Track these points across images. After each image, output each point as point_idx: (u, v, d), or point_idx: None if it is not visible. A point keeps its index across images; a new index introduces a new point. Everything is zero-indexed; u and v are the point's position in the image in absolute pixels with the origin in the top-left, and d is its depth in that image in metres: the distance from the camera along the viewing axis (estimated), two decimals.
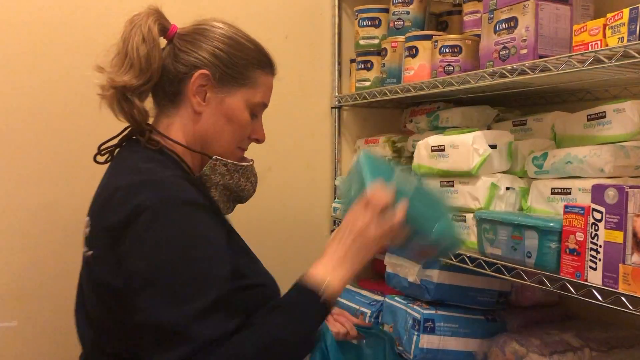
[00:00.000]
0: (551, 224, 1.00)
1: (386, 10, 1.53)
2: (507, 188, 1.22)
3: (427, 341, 1.35)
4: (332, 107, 1.71)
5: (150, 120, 1.01)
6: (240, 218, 1.39)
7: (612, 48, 0.89)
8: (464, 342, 1.38)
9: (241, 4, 1.60)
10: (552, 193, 1.15)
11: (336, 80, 1.69)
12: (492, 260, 1.12)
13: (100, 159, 1.02)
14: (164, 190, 0.88)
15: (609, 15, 0.92)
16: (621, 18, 0.89)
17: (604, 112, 1.15)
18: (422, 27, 1.46)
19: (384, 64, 1.49)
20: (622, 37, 0.89)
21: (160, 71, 0.99)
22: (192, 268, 0.84)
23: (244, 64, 1.02)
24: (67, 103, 1.44)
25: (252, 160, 1.08)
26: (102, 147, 1.02)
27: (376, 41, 1.54)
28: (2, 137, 1.40)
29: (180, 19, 1.05)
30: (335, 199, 1.70)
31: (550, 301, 1.53)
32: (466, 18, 1.34)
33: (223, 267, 0.88)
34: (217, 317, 0.83)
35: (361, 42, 1.57)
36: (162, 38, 1.00)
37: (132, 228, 0.84)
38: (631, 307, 0.85)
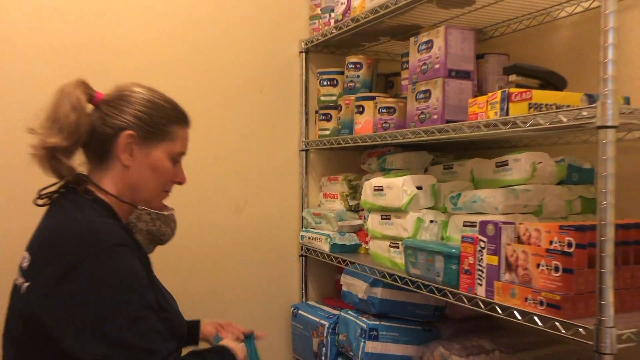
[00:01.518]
0: (453, 251, 1.30)
1: (342, 73, 1.84)
2: (431, 221, 1.51)
3: (372, 347, 1.63)
4: (300, 150, 2.01)
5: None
6: (222, 242, 1.68)
7: (488, 120, 1.20)
8: (403, 348, 1.66)
9: (222, 64, 1.90)
10: (464, 225, 1.44)
11: (303, 127, 2.00)
12: (414, 279, 1.41)
13: (40, 202, 1.14)
14: (99, 238, 1.03)
15: (489, 94, 1.23)
16: (496, 97, 1.20)
17: (507, 160, 1.45)
18: (370, 88, 1.77)
19: (339, 117, 1.80)
20: (497, 112, 1.20)
21: (88, 133, 1.12)
22: (128, 305, 1.01)
23: (163, 122, 1.18)
24: None
25: (172, 209, 1.28)
26: (42, 193, 1.14)
27: (334, 98, 1.86)
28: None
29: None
30: (302, 227, 1.99)
31: (480, 314, 1.81)
32: (403, 82, 1.66)
33: (150, 297, 1.06)
34: (160, 338, 1.03)
35: (322, 98, 1.89)
36: (89, 104, 1.14)
37: (76, 274, 0.99)
38: (501, 313, 1.15)
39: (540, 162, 1.40)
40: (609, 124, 0.94)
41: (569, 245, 1.06)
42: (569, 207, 1.44)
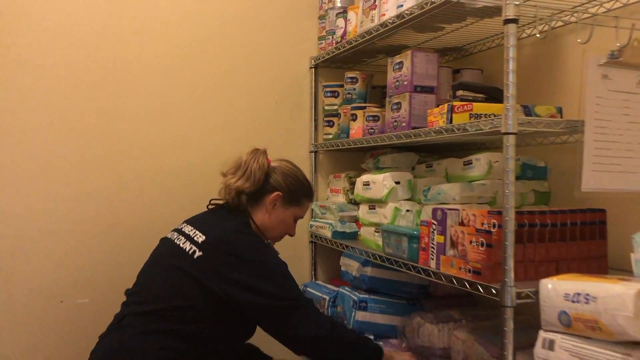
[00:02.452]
0: (414, 232, 1.60)
1: (342, 86, 2.16)
2: (407, 210, 1.81)
3: (362, 316, 1.93)
4: (310, 151, 2.34)
5: None
6: None
7: (440, 127, 1.50)
8: (389, 318, 1.96)
9: (244, 79, 2.25)
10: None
11: (312, 132, 2.33)
12: (388, 257, 1.72)
13: (210, 206, 1.76)
14: (258, 242, 1.62)
15: (440, 105, 1.53)
16: (444, 109, 1.50)
17: (471, 160, 1.74)
18: (365, 99, 2.08)
19: (339, 124, 2.12)
20: (444, 121, 1.50)
21: (260, 185, 1.69)
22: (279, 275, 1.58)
23: (300, 194, 1.75)
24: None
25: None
26: (212, 201, 1.76)
27: (335, 107, 2.18)
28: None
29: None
30: (311, 218, 2.32)
31: (460, 292, 2.09)
32: None
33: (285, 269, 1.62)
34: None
35: (326, 107, 2.22)
36: None
37: (240, 259, 1.54)
38: (444, 280, 1.44)
39: (496, 161, 1.68)
40: (510, 131, 1.23)
41: (493, 226, 1.35)
42: (522, 199, 1.71)
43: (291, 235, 1.82)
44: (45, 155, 2.01)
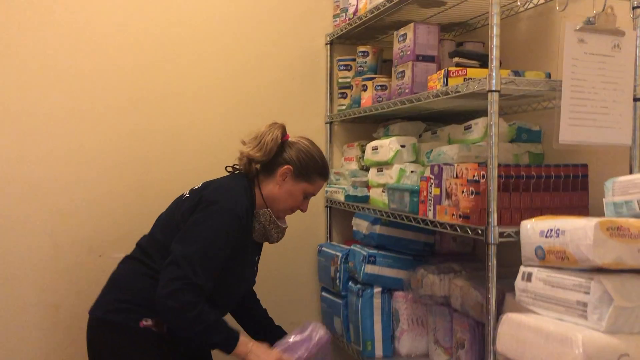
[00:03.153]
0: (415, 188, 1.77)
1: (355, 60, 2.33)
2: (412, 171, 1.98)
3: (370, 269, 2.10)
4: (325, 123, 2.52)
5: None
6: None
7: (435, 90, 1.66)
8: (396, 272, 2.13)
9: (264, 56, 2.44)
10: None
11: (328, 105, 2.50)
12: (393, 212, 1.89)
13: (227, 171, 1.85)
14: (233, 203, 1.64)
15: (438, 72, 1.69)
16: (441, 74, 1.66)
17: (470, 124, 1.90)
18: (375, 71, 2.25)
19: (351, 95, 2.29)
20: (441, 84, 1.66)
21: (271, 156, 1.75)
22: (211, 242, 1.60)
23: (311, 170, 1.77)
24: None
25: (286, 226, 1.84)
26: (227, 167, 1.85)
27: (348, 80, 2.35)
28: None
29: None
30: (326, 185, 2.50)
31: (464, 251, 2.25)
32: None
33: (224, 252, 1.63)
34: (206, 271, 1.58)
35: (340, 80, 2.39)
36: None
37: (204, 208, 1.63)
38: (439, 227, 1.61)
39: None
40: (493, 89, 1.39)
41: (482, 177, 1.51)
42: (516, 159, 1.86)
43: (302, 210, 1.86)
44: (88, 126, 2.23)
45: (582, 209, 1.59)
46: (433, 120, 2.25)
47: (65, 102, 2.21)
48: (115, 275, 1.78)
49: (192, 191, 1.78)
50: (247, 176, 1.79)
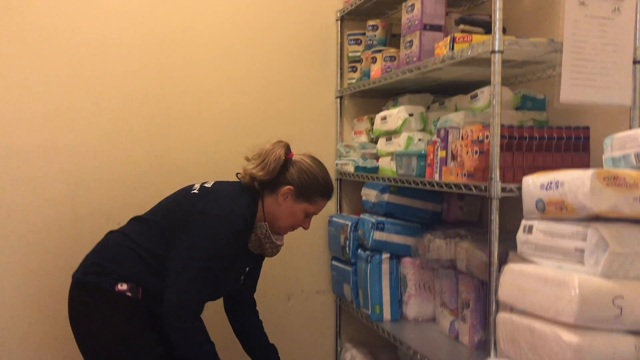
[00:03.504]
0: (422, 152, 1.83)
1: (365, 34, 2.39)
2: (419, 139, 2.04)
3: (379, 235, 2.17)
4: (336, 97, 2.58)
5: None
6: None
7: (441, 56, 1.72)
8: (404, 238, 2.19)
9: (275, 32, 2.50)
10: None
11: (338, 79, 2.56)
12: (402, 178, 1.95)
13: (237, 178, 1.86)
14: (235, 218, 1.69)
15: (444, 39, 1.75)
16: (447, 41, 1.72)
17: (477, 93, 1.96)
18: (384, 44, 2.31)
19: (361, 69, 2.36)
20: (448, 50, 1.72)
21: (274, 175, 1.77)
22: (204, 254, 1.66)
23: (312, 192, 1.80)
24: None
25: (282, 243, 1.88)
26: (238, 174, 1.86)
27: (358, 54, 2.41)
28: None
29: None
30: (337, 158, 2.57)
31: (470, 219, 2.31)
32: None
33: (221, 264, 1.70)
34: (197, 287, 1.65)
35: (350, 54, 2.45)
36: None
37: (206, 220, 1.69)
38: (444, 187, 1.67)
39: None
40: (496, 49, 1.45)
41: (486, 137, 1.57)
42: (521, 125, 1.92)
43: (304, 228, 1.88)
44: (110, 95, 2.31)
45: None
46: (441, 93, 2.31)
47: (88, 71, 2.29)
48: (101, 242, 1.83)
49: (201, 189, 1.80)
50: (255, 191, 1.81)
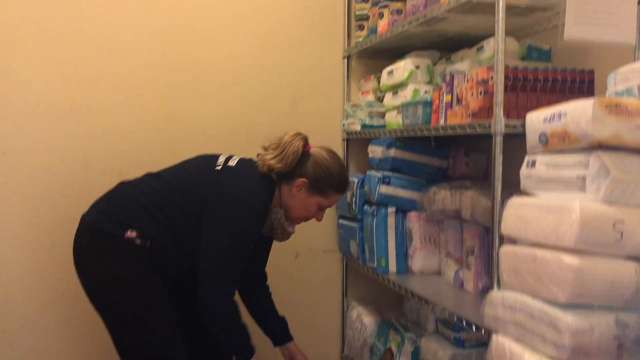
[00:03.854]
0: (428, 99, 1.85)
1: None
2: (426, 92, 2.06)
3: (385, 190, 2.20)
4: (343, 57, 2.60)
5: None
6: (282, 127, 2.29)
7: (446, 2, 1.73)
8: (410, 193, 2.21)
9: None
10: None
11: (346, 40, 2.58)
12: (408, 129, 1.97)
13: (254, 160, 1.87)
14: (257, 202, 1.74)
15: None
16: None
17: (482, 45, 1.97)
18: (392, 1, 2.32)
19: (369, 26, 2.37)
20: None
21: (292, 168, 1.79)
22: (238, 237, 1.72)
23: (327, 186, 1.82)
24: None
25: (294, 231, 1.93)
26: (256, 161, 1.85)
27: (365, 11, 2.43)
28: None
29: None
30: (344, 118, 2.59)
31: (476, 175, 2.32)
32: None
33: (250, 246, 1.76)
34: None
35: (357, 12, 2.47)
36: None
37: (231, 206, 1.72)
38: (450, 131, 1.69)
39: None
40: None
41: (491, 78, 1.59)
42: (526, 67, 1.93)
43: (317, 220, 1.92)
44: (122, 54, 2.35)
45: None
46: (448, 50, 2.32)
47: (103, 30, 2.32)
48: (113, 191, 1.86)
49: (225, 168, 1.81)
50: (270, 177, 1.84)
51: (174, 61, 2.41)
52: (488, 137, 1.52)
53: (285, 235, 1.95)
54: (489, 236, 1.82)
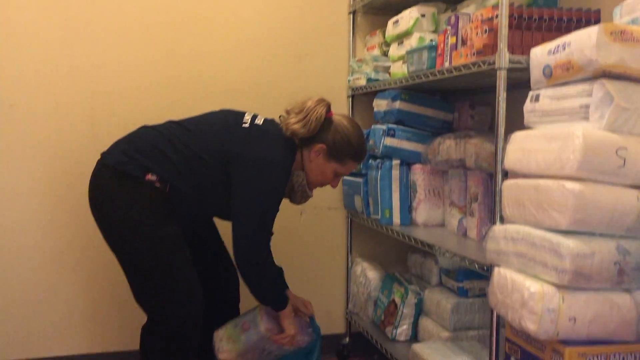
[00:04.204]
0: (433, 43, 1.84)
1: None
2: (431, 40, 2.05)
3: (389, 142, 2.19)
4: (349, 13, 2.59)
5: None
6: (286, 84, 2.29)
7: None
8: (415, 145, 2.21)
9: None
10: None
11: None
12: (413, 76, 1.97)
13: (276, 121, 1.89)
14: (285, 162, 1.78)
15: None
16: None
17: None
18: None
19: None
20: None
21: (314, 133, 1.80)
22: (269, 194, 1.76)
23: (345, 154, 1.84)
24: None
25: (311, 195, 1.96)
26: (281, 117, 1.88)
27: None
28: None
29: None
30: (349, 74, 2.58)
31: (481, 128, 2.31)
32: None
33: (279, 201, 1.80)
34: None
35: None
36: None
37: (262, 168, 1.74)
38: (454, 72, 1.69)
39: None
40: None
41: (496, 16, 1.58)
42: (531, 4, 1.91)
43: (332, 186, 1.95)
44: (130, 12, 2.35)
45: None
46: (453, 1, 2.30)
47: None
48: (135, 134, 1.85)
49: (253, 126, 1.81)
50: (293, 141, 1.84)
51: (180, 18, 2.41)
52: (494, 91, 1.51)
53: (303, 199, 1.98)
54: (492, 182, 1.82)
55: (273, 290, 1.86)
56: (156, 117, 2.35)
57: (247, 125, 1.82)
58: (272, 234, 1.83)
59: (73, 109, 2.33)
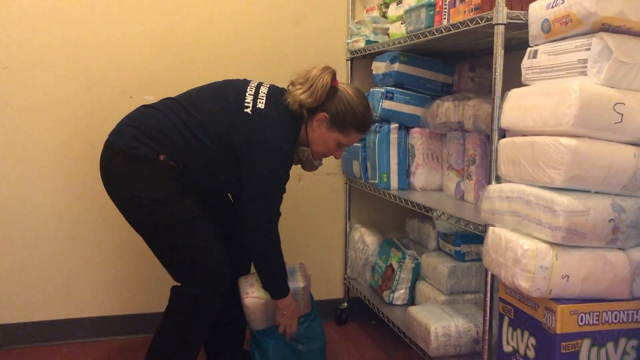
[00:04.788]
0: (432, 0, 1.80)
1: None
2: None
3: (388, 105, 2.16)
4: None
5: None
6: (284, 47, 2.23)
7: None
8: (413, 108, 2.18)
9: None
10: None
11: None
12: (411, 35, 1.93)
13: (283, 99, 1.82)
14: (286, 144, 1.74)
15: None
16: None
17: None
18: None
19: None
20: None
21: (321, 102, 1.77)
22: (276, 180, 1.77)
23: (348, 123, 1.79)
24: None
25: (319, 165, 1.96)
26: (289, 87, 1.83)
27: None
28: None
29: None
30: (348, 37, 2.54)
31: (481, 91, 2.28)
32: None
33: (285, 183, 1.80)
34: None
35: None
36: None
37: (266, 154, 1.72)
38: (452, 29, 1.65)
39: None
40: None
41: None
42: None
43: (335, 157, 1.92)
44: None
45: None
46: None
47: None
48: (139, 116, 1.81)
49: (255, 111, 1.76)
50: (300, 114, 1.81)
51: None
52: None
53: (312, 168, 1.98)
54: (490, 144, 1.80)
55: (276, 266, 1.84)
56: (151, 80, 2.35)
57: (249, 110, 1.77)
58: (280, 214, 1.84)
59: (67, 69, 2.28)
